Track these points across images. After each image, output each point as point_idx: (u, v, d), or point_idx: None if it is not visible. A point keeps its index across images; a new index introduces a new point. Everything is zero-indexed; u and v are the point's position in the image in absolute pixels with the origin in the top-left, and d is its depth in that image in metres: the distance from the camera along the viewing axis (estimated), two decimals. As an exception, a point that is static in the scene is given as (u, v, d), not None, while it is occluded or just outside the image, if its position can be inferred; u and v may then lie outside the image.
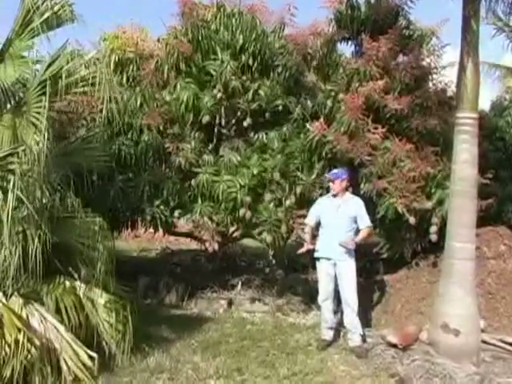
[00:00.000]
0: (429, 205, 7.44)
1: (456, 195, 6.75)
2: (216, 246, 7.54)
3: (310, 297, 8.85)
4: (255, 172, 7.31)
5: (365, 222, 6.76)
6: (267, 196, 7.42)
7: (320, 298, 6.95)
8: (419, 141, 7.67)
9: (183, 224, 8.66)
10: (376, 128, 7.36)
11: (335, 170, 6.97)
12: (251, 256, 11.58)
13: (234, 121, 8.03)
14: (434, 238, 7.53)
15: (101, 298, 5.91)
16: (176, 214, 7.80)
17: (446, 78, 8.65)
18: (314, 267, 10.82)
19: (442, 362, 6.34)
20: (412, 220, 7.33)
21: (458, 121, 6.81)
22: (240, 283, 9.16)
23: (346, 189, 6.92)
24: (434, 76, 8.46)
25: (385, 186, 7.25)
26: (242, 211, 7.36)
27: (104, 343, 5.85)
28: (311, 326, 7.71)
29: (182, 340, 6.81)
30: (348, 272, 6.73)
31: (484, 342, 6.84)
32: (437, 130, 7.86)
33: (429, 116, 7.76)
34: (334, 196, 6.90)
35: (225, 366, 6.07)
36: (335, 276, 6.82)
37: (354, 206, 6.81)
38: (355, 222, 6.77)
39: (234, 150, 7.69)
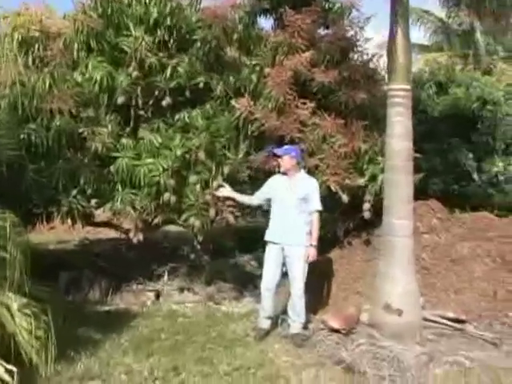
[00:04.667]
0: (361, 181, 7.00)
1: (392, 170, 6.33)
2: (141, 237, 6.85)
3: (240, 283, 8.32)
4: (178, 153, 6.60)
5: (315, 205, 6.20)
6: (192, 178, 6.73)
7: (263, 286, 6.35)
8: (348, 116, 7.19)
9: (99, 213, 7.88)
10: (304, 103, 6.83)
11: (285, 147, 6.38)
12: (173, 241, 10.89)
13: (152, 101, 7.24)
14: (367, 215, 7.11)
15: (15, 302, 5.14)
16: (92, 203, 7.05)
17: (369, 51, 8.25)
18: (241, 250, 10.51)
19: (387, 344, 5.91)
20: (345, 198, 6.86)
21: (391, 93, 6.37)
22: (166, 273, 8.47)
23: (300, 168, 6.35)
24: (359, 48, 7.98)
25: (316, 164, 6.73)
26: (166, 196, 6.65)
27: (24, 353, 5.10)
28: (246, 314, 7.12)
29: (110, 340, 6.06)
30: (297, 257, 6.16)
31: (425, 319, 6.48)
32: (365, 104, 7.42)
33: (357, 90, 7.29)
34: (285, 174, 6.30)
35: (160, 366, 5.39)
36: (282, 261, 6.27)
37: (307, 186, 6.23)
38: (306, 203, 6.20)
39: (155, 132, 6.93)
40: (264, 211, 13.18)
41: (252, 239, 10.33)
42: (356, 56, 7.98)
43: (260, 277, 8.63)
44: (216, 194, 6.69)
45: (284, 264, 6.27)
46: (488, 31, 15.08)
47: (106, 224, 8.53)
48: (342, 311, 6.65)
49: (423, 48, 15.71)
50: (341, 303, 7.15)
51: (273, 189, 6.34)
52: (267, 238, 6.34)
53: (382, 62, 8.24)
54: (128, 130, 7.21)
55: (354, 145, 6.81)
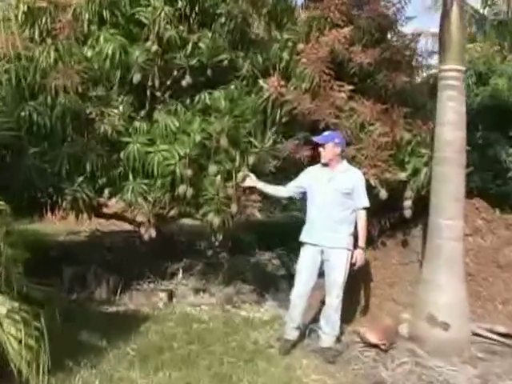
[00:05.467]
0: (402, 176, 6.07)
1: (441, 163, 5.45)
2: (153, 233, 5.97)
3: (262, 284, 7.46)
4: (197, 139, 5.70)
5: (362, 201, 5.33)
6: (213, 168, 5.80)
7: (295, 292, 5.48)
8: (387, 102, 6.28)
9: (112, 203, 7.01)
10: (342, 86, 5.92)
11: (326, 133, 5.49)
12: (189, 235, 10.00)
13: (170, 81, 6.38)
14: (408, 213, 6.18)
15: (2, 306, 4.29)
16: (106, 193, 6.19)
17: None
18: (260, 247, 9.62)
19: (434, 364, 5.05)
20: (383, 193, 5.93)
21: (443, 74, 5.49)
22: (181, 271, 7.62)
23: (342, 158, 5.47)
24: (398, 29, 7.05)
25: (353, 154, 5.82)
26: (181, 188, 5.76)
27: (13, 365, 4.24)
28: (268, 321, 6.28)
29: (115, 348, 5.23)
30: (338, 262, 5.29)
31: (472, 333, 5.60)
32: (405, 89, 6.53)
33: (398, 72, 6.38)
34: (326, 165, 5.41)
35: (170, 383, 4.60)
36: (320, 266, 5.40)
37: (351, 178, 5.36)
38: (351, 199, 5.32)
39: (172, 114, 6.03)
40: (283, 206, 12.52)
41: (272, 235, 9.52)
42: (395, 38, 7.05)
43: (284, 278, 7.93)
44: (242, 184, 5.80)
45: (320, 268, 5.40)
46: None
47: (117, 216, 7.66)
48: (378, 322, 5.78)
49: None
50: (374, 311, 6.28)
51: (311, 181, 5.47)
52: (303, 238, 5.48)
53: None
54: (142, 112, 6.33)
55: (395, 134, 5.89)
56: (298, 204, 14.45)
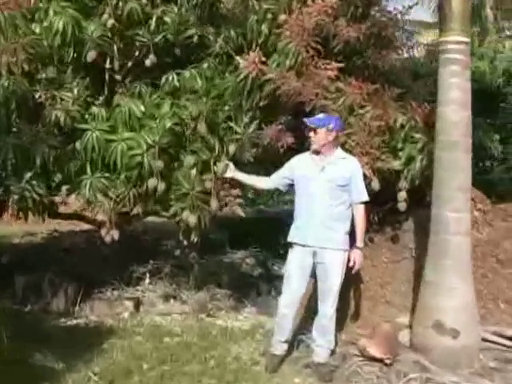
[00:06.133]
0: (396, 164, 5.30)
1: (445, 148, 4.68)
2: (116, 235, 5.07)
3: (238, 287, 6.65)
4: (168, 125, 4.81)
5: (360, 194, 4.55)
6: (188, 159, 4.91)
7: (282, 303, 4.63)
8: (376, 81, 5.50)
9: (72, 200, 6.07)
10: (328, 64, 5.10)
11: (319, 116, 4.67)
12: (154, 234, 9.09)
13: (131, 62, 5.51)
14: (402, 206, 5.39)
15: None
16: (63, 190, 5.26)
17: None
18: (232, 245, 8.77)
19: (448, 380, 4.29)
20: (376, 184, 5.14)
21: (445, 47, 4.71)
22: (148, 275, 6.72)
23: (336, 145, 4.66)
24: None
25: (343, 140, 5.00)
26: (151, 182, 4.87)
27: None
28: (249, 331, 5.46)
29: (74, 372, 4.35)
30: (333, 266, 4.50)
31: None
32: (394, 68, 5.79)
33: (388, 50, 5.63)
34: (317, 153, 4.60)
35: (140, 416, 3.76)
36: (312, 270, 4.59)
37: (347, 168, 4.55)
38: (347, 192, 4.52)
39: (136, 97, 5.15)
40: (251, 200, 11.68)
41: (243, 232, 8.69)
42: (379, 14, 6.27)
43: (262, 279, 7.11)
44: (223, 176, 4.93)
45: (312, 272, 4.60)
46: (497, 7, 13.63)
47: (75, 216, 6.73)
48: (376, 330, 4.98)
49: (427, 26, 14.17)
50: (367, 315, 5.49)
51: (300, 171, 4.65)
52: (292, 238, 4.66)
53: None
54: (100, 97, 5.41)
55: (389, 117, 5.11)
56: (265, 198, 13.84)
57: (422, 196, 5.72)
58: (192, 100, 4.89)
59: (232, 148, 4.97)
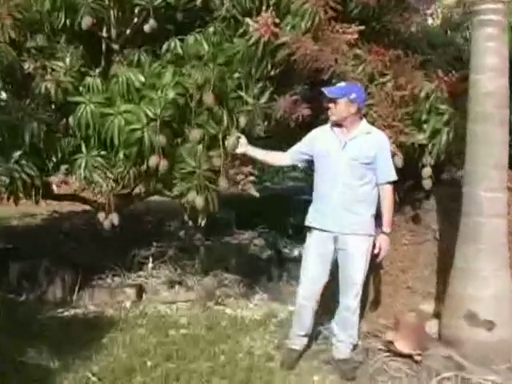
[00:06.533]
0: (421, 138, 4.77)
1: (480, 120, 4.14)
2: (116, 220, 4.55)
3: (247, 272, 6.12)
4: (171, 96, 4.23)
5: (387, 173, 4.02)
6: (194, 133, 4.31)
7: (301, 294, 4.14)
8: (396, 48, 4.94)
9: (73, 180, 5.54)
10: (348, 28, 4.52)
11: (340, 84, 4.11)
12: (157, 213, 8.55)
13: (129, 30, 4.95)
14: (427, 184, 4.86)
15: None
16: (62, 169, 4.71)
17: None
18: (238, 225, 8.23)
19: (485, 378, 3.80)
20: (399, 160, 4.58)
21: (479, 7, 4.14)
22: (151, 259, 6.20)
23: (360, 117, 4.12)
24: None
25: (363, 112, 4.45)
26: (152, 160, 4.28)
27: None
28: (261, 321, 4.97)
29: (71, 372, 3.88)
30: (357, 253, 3.99)
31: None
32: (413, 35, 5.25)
33: (409, 13, 5.07)
34: (338, 127, 4.06)
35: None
36: (333, 257, 4.08)
37: (373, 143, 4.01)
38: (373, 171, 3.99)
39: (134, 66, 4.56)
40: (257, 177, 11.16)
41: (250, 211, 8.15)
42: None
43: (271, 262, 6.58)
44: (234, 152, 4.35)
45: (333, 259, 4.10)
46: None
47: (73, 197, 6.20)
48: (401, 320, 4.48)
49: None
50: (388, 302, 5.03)
51: (319, 147, 4.12)
52: (310, 222, 4.14)
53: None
54: (96, 67, 4.84)
55: (413, 86, 4.56)
56: (270, 175, 13.27)
57: (440, 172, 5.27)
58: (197, 67, 4.28)
59: (242, 120, 4.38)
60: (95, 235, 6.98)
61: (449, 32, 7.78)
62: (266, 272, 6.12)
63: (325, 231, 4.01)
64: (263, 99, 4.39)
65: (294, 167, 9.10)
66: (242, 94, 4.42)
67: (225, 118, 4.32)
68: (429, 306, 4.89)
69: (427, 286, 5.01)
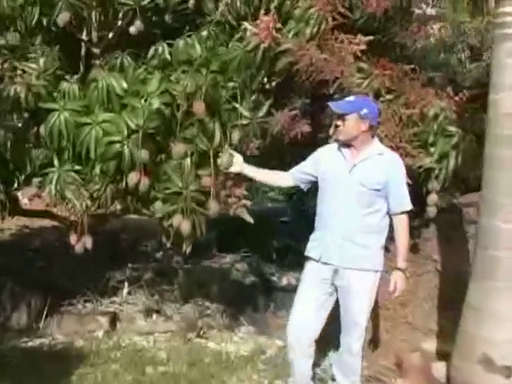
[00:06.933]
0: (428, 161, 4.32)
1: (499, 143, 3.68)
2: (89, 243, 3.96)
3: (231, 300, 5.54)
4: (156, 105, 3.65)
5: (401, 202, 3.53)
6: (181, 148, 3.71)
7: (291, 336, 3.60)
8: (402, 63, 4.50)
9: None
10: (353, 38, 4.04)
11: (350, 98, 3.60)
12: (133, 232, 7.96)
13: (112, 33, 4.43)
14: (432, 212, 4.40)
15: None
16: (35, 182, 4.12)
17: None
18: (221, 248, 7.68)
19: None
20: (402, 184, 4.16)
21: (502, 20, 3.70)
22: (126, 284, 5.63)
23: (372, 136, 3.61)
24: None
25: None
26: (132, 177, 3.68)
27: None
28: (248, 357, 4.45)
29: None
30: (361, 291, 3.48)
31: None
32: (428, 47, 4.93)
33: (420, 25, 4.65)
34: (346, 147, 3.57)
35: None
36: (333, 296, 3.58)
37: (385, 167, 3.52)
38: (384, 198, 3.51)
39: (117, 71, 4.00)
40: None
41: (231, 232, 7.60)
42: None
43: (256, 289, 6.07)
44: (229, 170, 3.78)
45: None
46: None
47: (44, 214, 5.60)
48: (402, 360, 4.01)
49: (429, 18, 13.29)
50: (387, 340, 4.61)
51: (323, 167, 3.62)
52: (310, 251, 3.63)
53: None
54: (74, 72, 4.29)
55: (423, 105, 4.11)
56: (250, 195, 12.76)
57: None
58: (188, 73, 3.72)
59: (236, 135, 3.80)
60: (67, 253, 6.34)
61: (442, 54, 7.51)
62: (251, 301, 5.57)
63: (324, 263, 3.51)
64: (261, 113, 3.85)
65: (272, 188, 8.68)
66: (237, 105, 3.85)
67: (217, 131, 3.73)
68: (431, 345, 4.45)
69: (428, 321, 4.61)
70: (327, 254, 3.50)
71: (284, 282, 6.05)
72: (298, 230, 6.82)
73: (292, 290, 5.76)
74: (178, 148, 3.70)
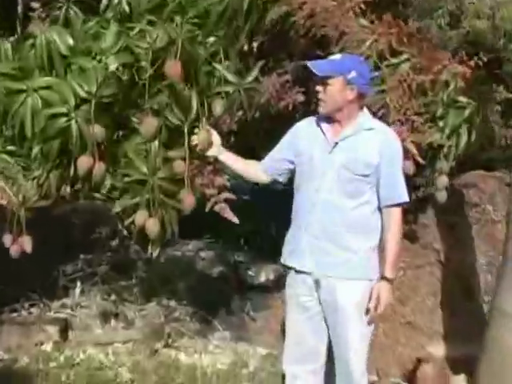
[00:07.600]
0: (437, 137, 3.56)
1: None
2: (28, 246, 2.97)
3: (201, 298, 4.72)
4: (113, 66, 2.72)
5: (395, 192, 2.64)
6: (146, 122, 2.77)
7: (286, 358, 2.79)
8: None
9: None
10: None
11: (335, 56, 2.73)
12: (85, 214, 7.02)
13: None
14: (442, 196, 3.64)
15: None
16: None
17: None
18: (183, 233, 6.85)
19: None
20: (410, 165, 3.39)
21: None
22: (79, 283, 4.75)
23: (361, 107, 2.74)
24: None
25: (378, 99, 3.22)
26: (83, 161, 2.77)
27: None
28: (227, 372, 3.66)
29: None
30: (348, 307, 2.62)
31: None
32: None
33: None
34: (328, 121, 2.71)
35: None
36: (321, 309, 2.72)
37: (375, 147, 2.64)
38: (374, 186, 2.65)
39: (61, 24, 3.10)
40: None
41: (192, 216, 6.81)
42: None
43: (227, 283, 5.25)
44: (206, 153, 2.86)
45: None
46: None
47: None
48: (415, 373, 3.33)
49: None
50: (388, 343, 4.02)
51: (300, 146, 2.78)
52: (286, 259, 2.81)
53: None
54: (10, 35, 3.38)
55: (439, 70, 3.35)
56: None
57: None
58: (156, 24, 2.79)
59: (218, 107, 2.84)
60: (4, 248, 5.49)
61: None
62: (224, 299, 4.76)
63: (303, 273, 2.69)
64: (251, 76, 2.91)
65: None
66: (220, 67, 2.91)
67: (194, 101, 2.79)
68: (439, 349, 3.84)
69: (432, 321, 4.05)
70: (304, 260, 2.68)
71: (262, 278, 5.24)
72: (265, 212, 6.10)
73: (269, 285, 5.10)
74: (145, 123, 2.78)
